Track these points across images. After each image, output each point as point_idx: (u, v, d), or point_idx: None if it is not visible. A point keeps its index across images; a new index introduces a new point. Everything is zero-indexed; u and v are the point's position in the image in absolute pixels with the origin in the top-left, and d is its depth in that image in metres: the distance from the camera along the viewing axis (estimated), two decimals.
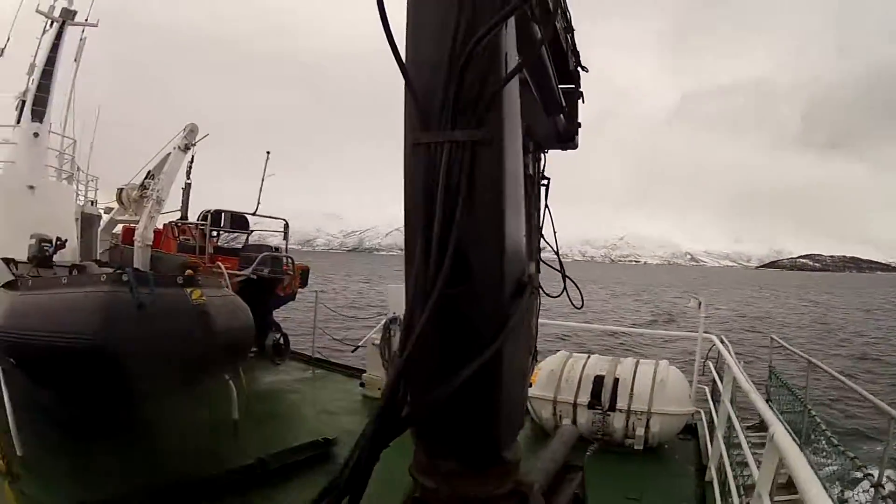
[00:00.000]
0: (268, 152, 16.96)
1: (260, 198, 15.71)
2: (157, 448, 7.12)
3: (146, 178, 12.62)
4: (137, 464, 6.65)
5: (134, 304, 5.66)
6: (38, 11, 20.56)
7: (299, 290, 13.78)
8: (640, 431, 7.86)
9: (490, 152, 2.73)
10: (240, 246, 16.51)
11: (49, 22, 21.07)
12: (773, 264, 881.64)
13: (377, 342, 10.10)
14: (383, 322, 10.23)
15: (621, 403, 7.94)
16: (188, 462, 6.87)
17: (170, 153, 12.33)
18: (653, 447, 7.97)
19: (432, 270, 2.76)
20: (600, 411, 8.00)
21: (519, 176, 2.99)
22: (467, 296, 2.79)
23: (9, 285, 7.34)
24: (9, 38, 21.94)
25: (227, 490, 6.22)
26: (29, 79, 22.50)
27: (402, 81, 2.88)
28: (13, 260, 10.85)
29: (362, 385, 10.26)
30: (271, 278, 12.12)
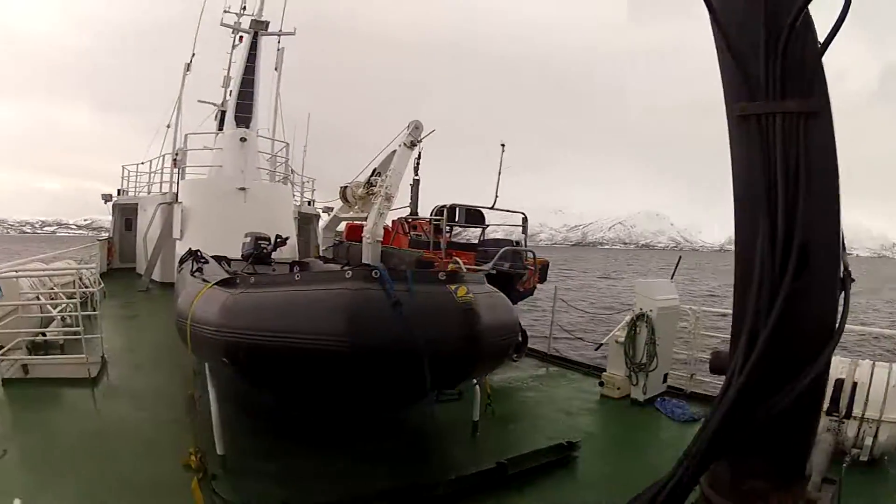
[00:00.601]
0: (502, 144, 17.03)
1: (497, 191, 15.78)
2: (392, 451, 7.15)
3: (372, 175, 12.88)
4: (367, 468, 6.61)
5: (388, 303, 5.23)
6: (223, 25, 22.44)
7: (538, 285, 13.35)
8: (868, 441, 7.15)
9: (821, 125, 2.54)
10: (468, 241, 16.63)
11: (237, 36, 23.11)
12: None
13: (620, 340, 9.69)
14: (628, 318, 9.77)
15: (857, 410, 7.26)
16: (424, 466, 6.84)
17: (395, 150, 12.50)
18: (874, 458, 7.21)
19: (779, 260, 2.55)
20: (836, 418, 7.32)
21: (837, 153, 2.67)
22: (803, 290, 2.58)
23: (225, 283, 7.10)
24: (194, 54, 24.16)
25: (460, 497, 6.05)
26: (225, 90, 24.76)
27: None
28: (225, 258, 11.61)
29: (601, 384, 9.87)
30: (512, 273, 11.84)
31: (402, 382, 5.45)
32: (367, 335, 5.20)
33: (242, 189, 18.82)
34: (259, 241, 11.38)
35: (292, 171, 23.75)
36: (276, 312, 5.80)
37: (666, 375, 9.77)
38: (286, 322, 5.60)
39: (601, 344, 11.91)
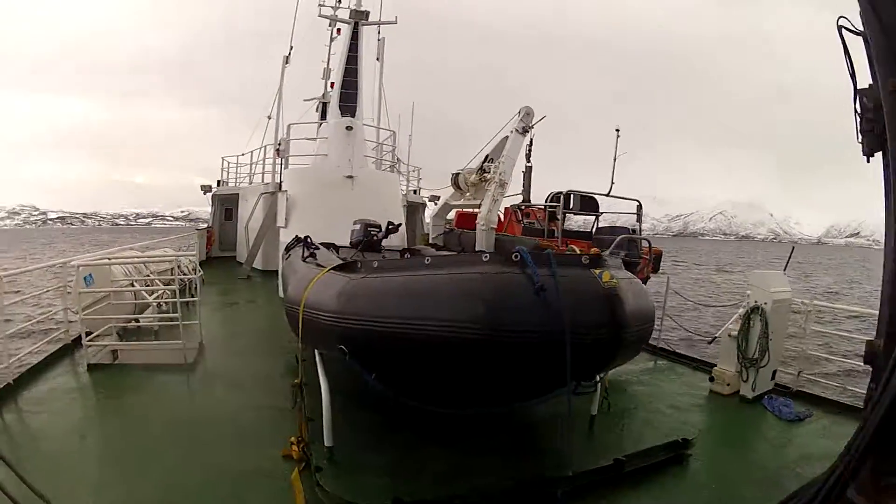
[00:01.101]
0: (617, 129, 16.99)
1: (613, 177, 15.68)
2: (509, 446, 6.95)
3: (485, 161, 12.86)
4: (482, 463, 6.42)
5: (531, 287, 4.88)
6: (321, 16, 23.14)
7: (651, 274, 13.12)
8: None
9: None
10: (581, 229, 16.55)
11: (335, 27, 24.13)
12: None
13: (734, 333, 9.50)
14: (742, 311, 9.56)
15: None
16: (541, 461, 6.62)
17: (507, 136, 12.43)
18: None
19: None
20: None
21: None
22: None
23: (343, 268, 6.79)
24: (291, 48, 25.13)
25: (576, 494, 5.92)
26: (326, 82, 26.12)
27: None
28: (334, 245, 11.60)
29: (711, 380, 9.72)
30: (628, 262, 11.12)
31: (542, 372, 5.16)
32: (508, 321, 4.88)
33: (350, 177, 18.93)
34: (369, 228, 11.36)
35: (398, 160, 23.94)
36: (403, 298, 5.51)
37: (774, 372, 9.58)
38: (415, 308, 5.31)
39: (714, 338, 11.70)
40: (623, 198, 14.90)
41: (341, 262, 7.43)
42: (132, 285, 11.79)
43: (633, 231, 13.79)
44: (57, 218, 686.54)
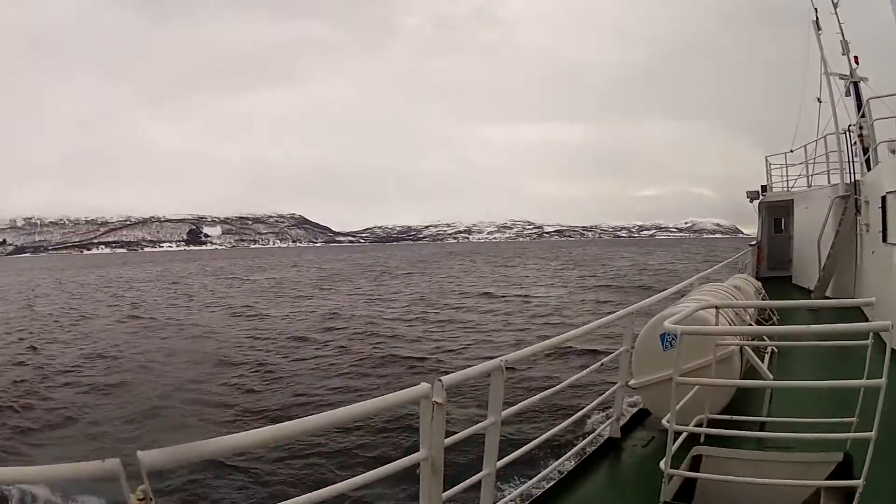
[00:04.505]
0: None
1: None
2: None
3: None
4: None
5: None
6: None
7: None
8: None
9: None
10: None
11: None
12: None
13: None
14: None
15: None
16: None
17: None
18: None
19: None
20: None
21: None
22: None
23: None
24: (816, 10, 20.82)
25: None
26: (848, 56, 20.82)
27: None
28: None
29: None
30: None
31: None
32: None
33: None
34: None
35: None
36: None
37: None
38: None
39: None
40: None
41: None
42: (740, 350, 7.87)
43: None
44: (554, 231, 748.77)
